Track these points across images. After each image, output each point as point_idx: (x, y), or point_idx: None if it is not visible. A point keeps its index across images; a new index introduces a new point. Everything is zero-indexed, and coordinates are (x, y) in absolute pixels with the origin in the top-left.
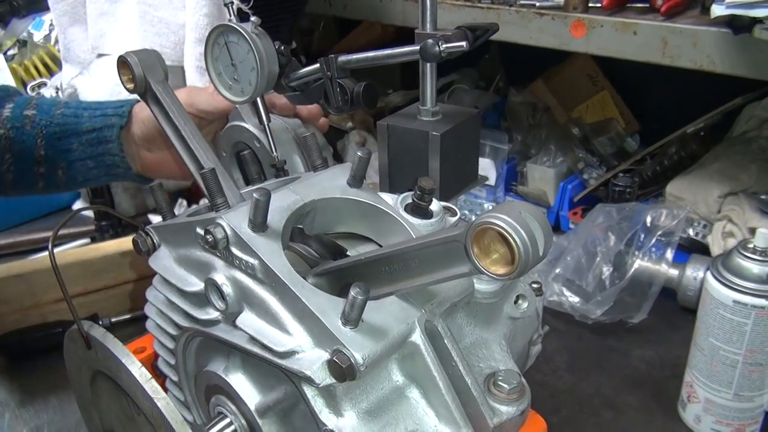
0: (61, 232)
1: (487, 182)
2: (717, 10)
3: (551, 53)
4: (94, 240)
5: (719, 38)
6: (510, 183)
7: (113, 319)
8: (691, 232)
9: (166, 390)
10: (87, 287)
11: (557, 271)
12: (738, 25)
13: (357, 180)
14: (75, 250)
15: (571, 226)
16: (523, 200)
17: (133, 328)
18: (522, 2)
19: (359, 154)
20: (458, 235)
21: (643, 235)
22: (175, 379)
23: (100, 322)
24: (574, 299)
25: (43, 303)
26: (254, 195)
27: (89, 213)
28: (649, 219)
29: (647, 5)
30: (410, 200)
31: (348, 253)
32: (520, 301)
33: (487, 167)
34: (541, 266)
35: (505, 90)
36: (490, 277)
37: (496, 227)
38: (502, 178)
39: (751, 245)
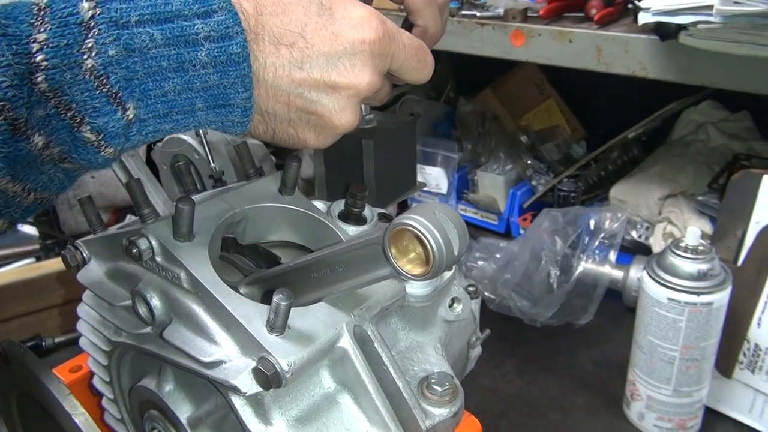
0: (5, 252)
1: (439, 191)
2: (643, 18)
3: (500, 63)
4: (39, 260)
5: (649, 45)
6: (461, 191)
7: (57, 339)
8: (634, 234)
9: (102, 409)
10: (30, 307)
11: (506, 276)
12: (664, 32)
13: (288, 187)
14: (16, 269)
15: (522, 231)
16: (474, 208)
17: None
18: (464, 13)
19: (288, 161)
20: (377, 238)
21: (587, 238)
22: (110, 396)
23: (44, 343)
24: (523, 303)
25: None
26: (177, 204)
27: (34, 232)
28: (592, 222)
29: (582, 15)
30: (343, 207)
31: (281, 261)
32: (454, 305)
33: (438, 176)
34: (491, 272)
35: (455, 100)
36: (407, 277)
37: (411, 228)
38: (454, 186)
39: (683, 244)
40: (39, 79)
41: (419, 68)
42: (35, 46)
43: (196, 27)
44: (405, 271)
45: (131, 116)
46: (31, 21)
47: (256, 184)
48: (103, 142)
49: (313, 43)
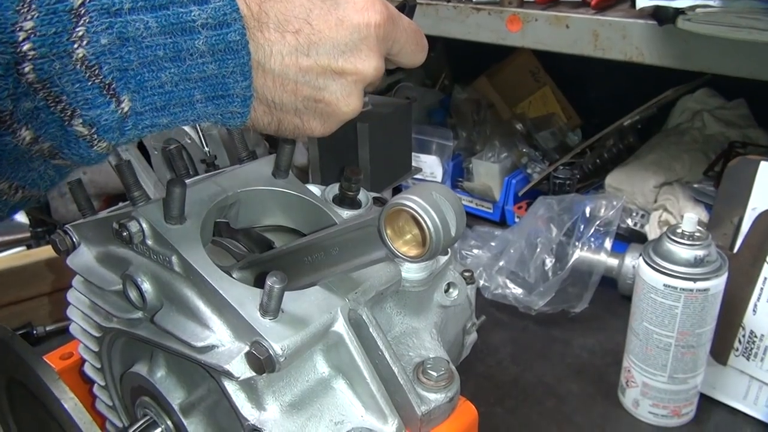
0: None
1: (434, 179)
2: (641, 2)
3: (495, 50)
4: (30, 247)
5: (646, 30)
6: (456, 179)
7: (48, 328)
8: (629, 222)
9: (94, 396)
10: (19, 295)
11: (501, 263)
12: (662, 17)
13: (282, 171)
14: (5, 257)
15: (517, 220)
16: (469, 196)
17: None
18: None
19: (282, 143)
20: (372, 219)
21: (582, 226)
22: (102, 383)
23: (35, 332)
24: (518, 291)
25: None
26: (168, 186)
27: (24, 220)
28: (588, 210)
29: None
30: (337, 191)
31: (275, 245)
32: (450, 290)
33: (433, 164)
34: (486, 260)
35: (450, 87)
36: (403, 259)
37: (407, 209)
38: (449, 174)
39: (679, 230)
40: (26, 69)
41: (417, 51)
42: (21, 35)
43: (192, 14)
44: (401, 252)
45: (126, 109)
46: (17, 8)
47: (249, 168)
48: (96, 136)
49: (320, 28)
